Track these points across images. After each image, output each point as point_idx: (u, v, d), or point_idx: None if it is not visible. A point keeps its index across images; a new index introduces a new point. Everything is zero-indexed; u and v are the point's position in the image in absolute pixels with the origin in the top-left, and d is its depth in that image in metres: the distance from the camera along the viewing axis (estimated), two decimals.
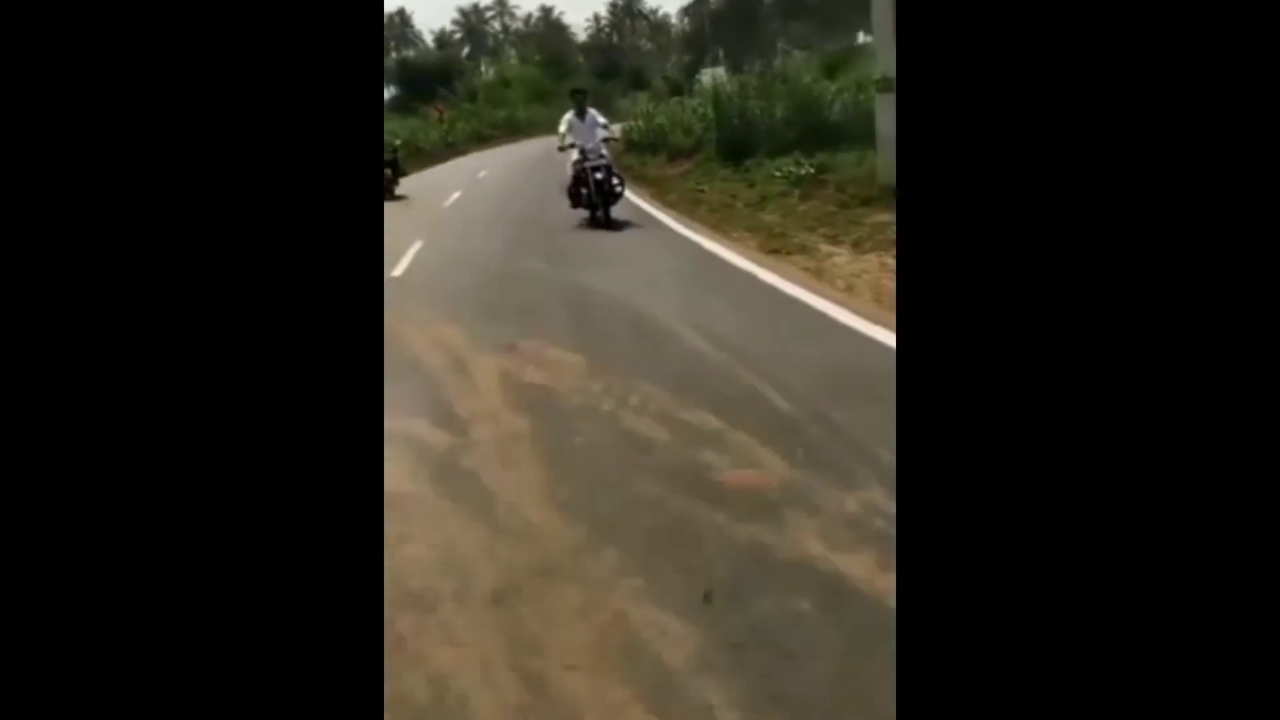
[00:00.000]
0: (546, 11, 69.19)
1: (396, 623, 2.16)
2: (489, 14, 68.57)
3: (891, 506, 2.45)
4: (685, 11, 54.34)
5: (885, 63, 8.16)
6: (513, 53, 63.25)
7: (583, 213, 8.98)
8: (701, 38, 38.19)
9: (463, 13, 68.05)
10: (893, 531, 2.30)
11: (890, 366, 2.20)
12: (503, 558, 2.48)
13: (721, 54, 28.26)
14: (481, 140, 32.14)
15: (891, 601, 2.01)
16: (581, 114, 9.25)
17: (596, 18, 66.70)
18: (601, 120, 9.38)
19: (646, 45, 60.68)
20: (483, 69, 59.30)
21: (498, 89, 45.66)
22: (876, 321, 4.32)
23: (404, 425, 3.51)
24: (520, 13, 69.86)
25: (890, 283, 5.09)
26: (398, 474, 3.06)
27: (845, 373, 3.69)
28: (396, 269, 7.46)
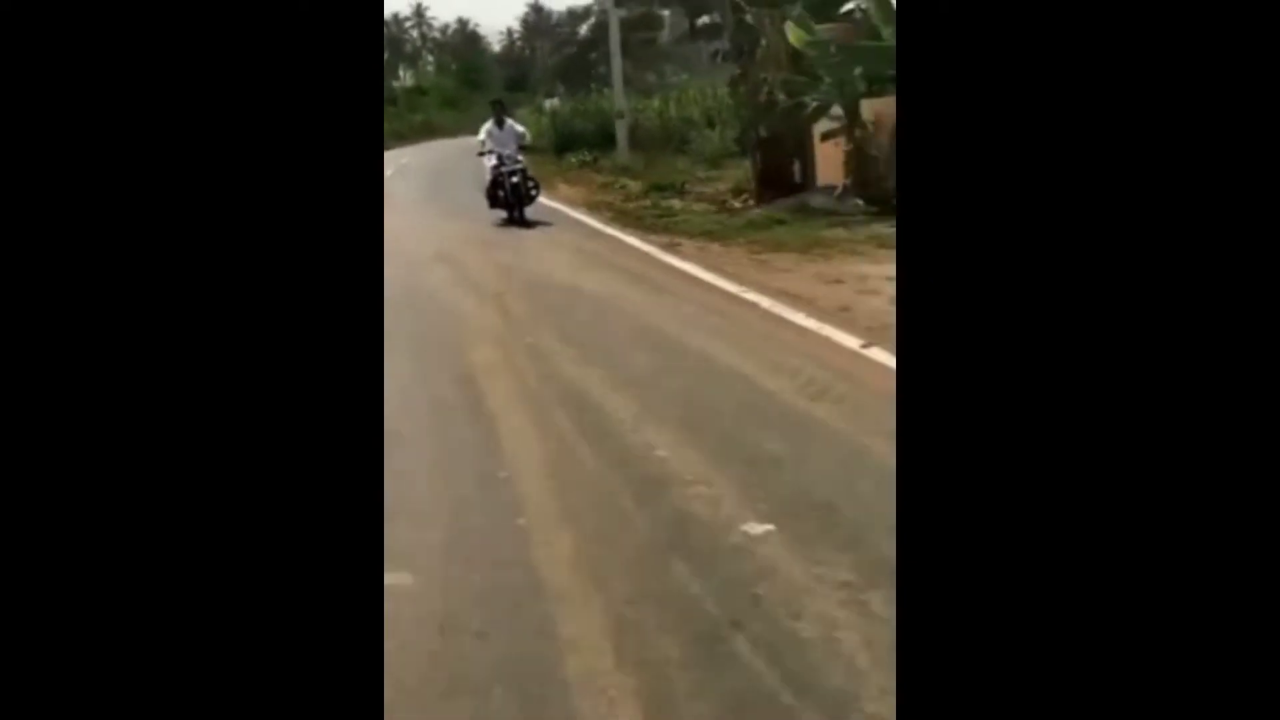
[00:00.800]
0: (463, 23, 70.71)
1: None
2: (408, 23, 69.69)
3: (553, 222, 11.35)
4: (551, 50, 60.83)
5: (620, 103, 17.38)
6: (430, 60, 67.44)
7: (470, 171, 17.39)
8: (549, 76, 48.67)
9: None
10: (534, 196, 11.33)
11: (559, 216, 12.88)
12: (437, 197, 11.57)
13: (561, 89, 37.68)
14: (401, 138, 38.67)
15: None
16: (500, 123, 10.23)
17: (509, 31, 72.01)
18: (519, 129, 10.58)
19: (556, 58, 65.01)
20: (401, 74, 63.11)
21: (415, 96, 51.00)
22: (562, 204, 13.41)
23: (408, 216, 12.68)
24: (438, 23, 73.35)
25: (577, 193, 14.04)
26: (414, 216, 12.26)
27: (543, 214, 12.62)
28: None
